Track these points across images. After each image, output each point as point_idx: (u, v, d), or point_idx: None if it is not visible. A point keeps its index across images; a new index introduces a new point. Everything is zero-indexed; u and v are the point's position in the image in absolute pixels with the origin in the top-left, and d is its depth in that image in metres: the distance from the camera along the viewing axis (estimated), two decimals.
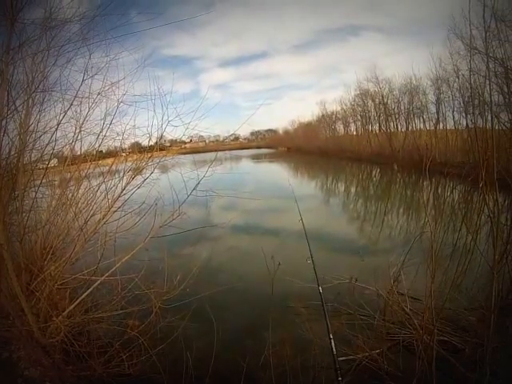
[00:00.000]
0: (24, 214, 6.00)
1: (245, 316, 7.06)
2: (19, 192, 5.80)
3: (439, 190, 19.96)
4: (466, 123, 26.10)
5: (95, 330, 5.75)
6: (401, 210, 18.12)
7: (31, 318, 5.09)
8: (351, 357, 5.01)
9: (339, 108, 54.00)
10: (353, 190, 27.06)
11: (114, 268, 5.73)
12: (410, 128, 36.40)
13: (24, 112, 5.82)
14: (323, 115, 60.10)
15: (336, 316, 5.75)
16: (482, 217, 6.07)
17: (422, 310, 5.50)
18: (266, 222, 15.72)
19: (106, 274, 5.67)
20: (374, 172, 35.81)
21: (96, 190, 6.69)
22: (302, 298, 6.34)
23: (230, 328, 6.33)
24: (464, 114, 26.63)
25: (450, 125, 29.67)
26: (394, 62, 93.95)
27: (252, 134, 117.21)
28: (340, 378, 1.32)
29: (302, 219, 3.02)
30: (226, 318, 6.58)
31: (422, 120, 35.03)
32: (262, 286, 6.17)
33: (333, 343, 1.47)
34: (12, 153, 5.82)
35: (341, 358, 4.93)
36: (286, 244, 11.55)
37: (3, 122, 5.16)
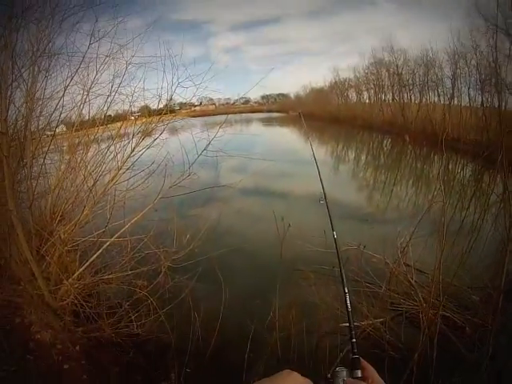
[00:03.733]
0: (33, 181, 6.00)
1: (253, 278, 7.12)
2: (27, 159, 5.77)
3: (450, 166, 19.74)
4: (482, 101, 25.48)
5: (104, 291, 5.87)
6: (410, 182, 17.97)
7: (42, 282, 5.18)
8: (354, 323, 5.06)
9: (352, 75, 53.14)
10: (363, 158, 26.90)
11: (124, 229, 5.77)
12: (423, 100, 35.68)
13: (30, 79, 5.73)
14: (336, 82, 59.23)
15: (338, 280, 5.76)
16: (491, 197, 5.99)
17: (427, 283, 5.54)
18: (275, 185, 15.77)
19: (116, 235, 5.72)
20: (385, 141, 35.38)
21: (105, 152, 6.67)
22: (310, 261, 6.44)
23: (238, 289, 6.39)
24: (480, 92, 26.03)
25: (465, 101, 28.82)
26: (410, 34, 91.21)
27: (263, 97, 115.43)
28: (354, 340, 1.33)
29: (321, 180, 3.03)
30: (234, 279, 6.62)
31: (436, 94, 34.35)
32: (271, 248, 6.23)
33: (348, 297, 1.47)
34: (19, 121, 5.82)
35: (343, 324, 5.03)
36: (295, 207, 11.52)
37: (9, 91, 5.10)
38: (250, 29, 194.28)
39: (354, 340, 1.49)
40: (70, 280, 5.43)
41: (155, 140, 6.34)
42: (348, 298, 1.69)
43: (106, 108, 6.77)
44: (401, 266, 6.17)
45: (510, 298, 4.43)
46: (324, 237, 5.24)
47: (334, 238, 2.21)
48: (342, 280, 1.79)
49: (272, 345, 4.88)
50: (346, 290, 1.74)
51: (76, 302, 5.28)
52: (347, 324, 1.68)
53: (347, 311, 1.66)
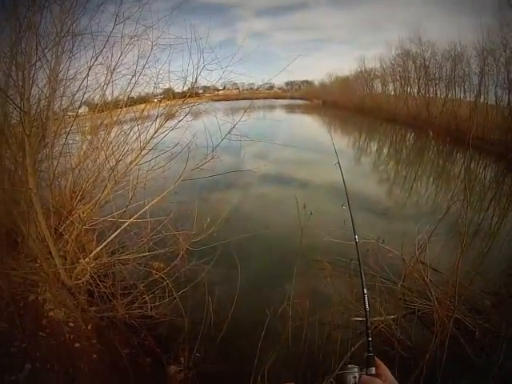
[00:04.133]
0: (54, 160, 6.07)
1: (270, 265, 7.18)
2: (49, 139, 5.84)
3: (472, 166, 19.41)
4: (509, 100, 24.80)
5: (120, 271, 5.93)
6: (431, 179, 17.69)
7: (58, 260, 5.26)
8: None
9: (378, 66, 52.43)
10: (385, 151, 26.57)
11: (143, 210, 5.80)
12: (449, 96, 35.01)
13: (53, 60, 5.74)
14: (361, 71, 58.52)
15: (357, 275, 5.75)
16: None
17: (441, 283, 5.51)
18: (296, 173, 15.71)
19: (135, 216, 5.75)
20: (408, 135, 34.95)
21: (128, 132, 6.70)
22: (328, 252, 6.43)
23: (254, 276, 6.46)
24: (507, 91, 25.42)
25: (492, 100, 28.02)
26: (438, 26, 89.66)
27: (287, 84, 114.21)
28: (370, 339, 1.36)
29: (342, 174, 3.04)
30: (251, 265, 6.68)
31: (462, 90, 33.64)
32: (290, 236, 6.23)
33: (366, 297, 1.50)
34: (42, 100, 5.84)
35: (356, 318, 5.04)
36: (316, 195, 11.55)
37: (32, 71, 5.10)
38: (277, 14, 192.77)
39: (370, 339, 1.51)
40: (86, 259, 5.51)
41: (179, 122, 6.35)
42: (367, 299, 1.71)
43: (129, 89, 6.79)
44: (417, 264, 6.12)
45: None
46: (344, 228, 5.22)
47: (356, 242, 2.23)
48: (362, 282, 1.80)
49: (283, 334, 4.90)
50: (365, 291, 1.76)
51: (91, 281, 5.35)
52: (359, 318, 1.70)
53: (365, 311, 1.68)
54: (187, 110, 6.46)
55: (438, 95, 36.88)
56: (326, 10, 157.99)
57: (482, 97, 29.39)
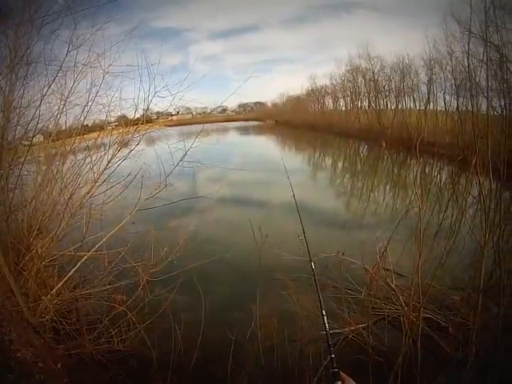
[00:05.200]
0: (9, 193, 5.92)
1: (232, 288, 7.13)
2: (4, 170, 5.69)
3: (426, 170, 20.04)
4: (457, 105, 25.91)
5: (84, 306, 5.73)
6: (387, 187, 18.27)
7: (20, 298, 5.08)
8: (337, 330, 5.13)
9: (329, 83, 53.83)
10: (340, 165, 27.20)
11: (101, 242, 5.69)
12: (399, 106, 36.36)
13: (7, 88, 5.65)
14: (312, 89, 59.88)
15: (322, 289, 5.71)
16: (468, 199, 6.11)
17: (407, 286, 5.60)
18: (252, 195, 15.80)
19: (93, 249, 5.62)
20: (361, 148, 35.92)
21: (81, 163, 6.58)
22: (289, 270, 6.41)
23: (218, 300, 6.38)
24: (455, 96, 26.54)
25: (441, 106, 29.54)
26: (386, 41, 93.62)
27: (240, 106, 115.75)
28: (333, 356, 1.39)
29: (294, 196, 3.06)
30: (214, 290, 6.62)
31: (412, 99, 35.07)
32: (250, 258, 6.21)
33: (326, 320, 1.54)
34: None
35: (324, 332, 5.03)
36: (273, 217, 11.57)
37: None
38: (229, 37, 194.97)
39: (333, 356, 1.54)
40: (48, 296, 5.31)
41: (131, 151, 6.33)
42: (326, 320, 1.76)
43: (82, 118, 6.72)
44: (380, 271, 6.20)
45: (489, 296, 4.51)
46: (301, 245, 5.25)
47: (312, 269, 2.34)
48: (320, 303, 1.85)
49: (255, 355, 4.84)
50: (324, 313, 1.81)
51: (55, 318, 5.17)
52: (329, 331, 1.73)
53: (326, 331, 1.72)
54: (139, 138, 6.41)
55: (389, 107, 38.28)
56: (276, 32, 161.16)
57: (431, 104, 30.77)
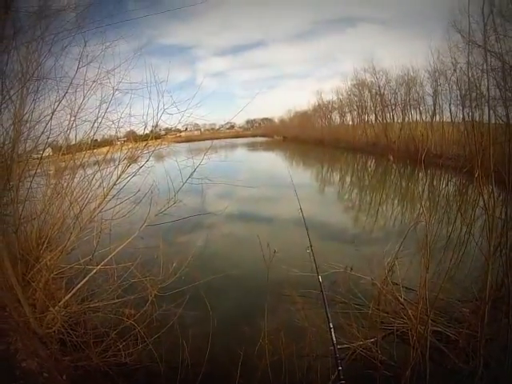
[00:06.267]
0: (19, 205, 5.96)
1: (240, 303, 7.11)
2: (14, 182, 5.77)
3: (434, 182, 19.98)
4: (463, 116, 25.72)
5: (91, 319, 5.76)
6: (395, 201, 18.18)
7: (28, 308, 5.11)
8: (346, 345, 5.03)
9: (335, 98, 53.99)
10: (348, 179, 27.16)
11: (110, 256, 5.73)
12: (406, 119, 36.35)
13: (18, 101, 5.76)
14: (319, 105, 60.02)
15: (331, 305, 5.66)
16: (477, 210, 6.09)
17: (416, 300, 5.56)
18: (260, 210, 15.83)
19: (102, 263, 5.66)
20: (369, 162, 35.82)
21: (91, 178, 6.62)
22: (297, 286, 6.35)
23: (226, 315, 6.38)
24: (461, 107, 26.48)
25: (447, 117, 29.41)
26: (391, 54, 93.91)
27: (248, 122, 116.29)
28: (340, 368, 1.39)
29: (301, 209, 3.09)
30: (222, 305, 6.62)
31: (418, 111, 35.07)
32: (258, 274, 6.19)
33: (333, 333, 1.53)
34: (6, 143, 5.80)
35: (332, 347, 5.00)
36: (281, 232, 11.55)
37: None
38: (235, 53, 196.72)
39: (340, 368, 1.55)
40: (56, 308, 5.35)
41: (141, 167, 6.37)
42: (333, 333, 1.77)
43: (92, 133, 6.81)
44: (388, 285, 6.17)
45: (499, 307, 4.48)
46: (310, 261, 5.24)
47: (320, 283, 2.34)
48: (328, 318, 1.86)
49: (263, 370, 4.79)
50: (331, 326, 1.82)
51: (63, 330, 5.19)
52: (338, 347, 1.74)
53: (333, 344, 1.73)
54: (149, 154, 6.48)
55: (395, 120, 38.25)
56: (281, 47, 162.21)
57: (437, 116, 30.75)
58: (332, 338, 1.72)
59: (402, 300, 5.87)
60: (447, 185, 19.41)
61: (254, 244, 5.83)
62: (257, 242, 5.43)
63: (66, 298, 5.55)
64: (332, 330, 1.73)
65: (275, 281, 5.86)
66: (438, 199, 14.44)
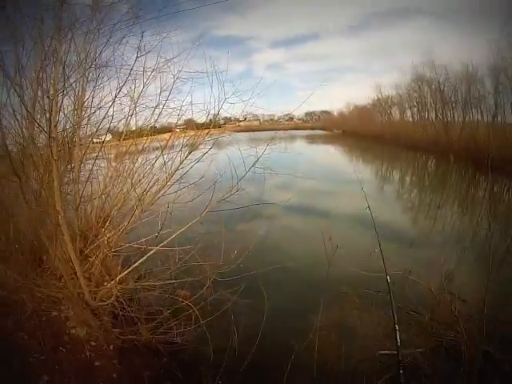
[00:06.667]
0: (80, 185, 6.25)
1: (295, 297, 7.14)
2: (75, 164, 6.08)
3: (495, 188, 19.12)
4: None
5: (146, 297, 5.99)
6: (455, 205, 17.47)
7: (83, 281, 5.33)
8: (394, 352, 4.96)
9: (394, 93, 52.58)
10: (407, 179, 26.54)
11: (170, 238, 5.84)
12: (466, 118, 34.82)
13: (79, 88, 6.04)
14: (378, 99, 58.84)
15: (384, 307, 5.55)
16: None
17: (470, 313, 5.38)
18: (319, 204, 15.78)
19: (161, 244, 5.78)
20: (429, 162, 34.70)
21: (153, 163, 6.82)
22: (354, 284, 6.33)
23: (280, 307, 6.41)
24: None
25: (509, 119, 28.01)
26: (449, 49, 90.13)
27: (307, 114, 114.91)
28: (401, 371, 1.37)
29: (369, 207, 3.03)
30: (277, 297, 6.59)
31: (479, 111, 33.40)
32: (316, 267, 6.17)
33: (398, 334, 1.50)
34: (68, 127, 6.06)
35: (382, 352, 4.94)
36: (339, 227, 11.38)
37: (59, 98, 5.28)
38: (290, 45, 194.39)
39: (402, 371, 1.54)
40: (112, 282, 5.59)
41: (204, 154, 6.43)
42: (398, 335, 1.75)
43: (152, 120, 7.03)
44: (445, 295, 6.00)
45: None
46: (368, 259, 5.16)
47: (388, 284, 2.30)
48: (394, 317, 1.84)
49: (309, 367, 4.83)
50: (397, 327, 1.80)
51: (116, 304, 5.40)
52: (386, 352, 1.73)
53: (396, 345, 1.71)
54: (210, 141, 6.59)
55: (456, 119, 36.60)
56: (337, 40, 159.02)
57: (499, 116, 29.07)
58: (396, 340, 1.70)
59: (456, 312, 5.69)
60: (508, 192, 18.63)
61: (313, 237, 5.79)
62: (314, 235, 5.40)
63: (123, 273, 5.76)
64: (397, 331, 1.70)
65: (332, 276, 5.83)
66: (498, 207, 13.85)
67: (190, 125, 7.32)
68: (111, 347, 5.25)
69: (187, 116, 6.88)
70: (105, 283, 5.89)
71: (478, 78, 32.21)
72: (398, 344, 1.54)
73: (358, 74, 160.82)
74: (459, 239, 9.46)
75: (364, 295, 6.04)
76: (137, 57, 6.28)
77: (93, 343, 5.23)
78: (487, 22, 66.41)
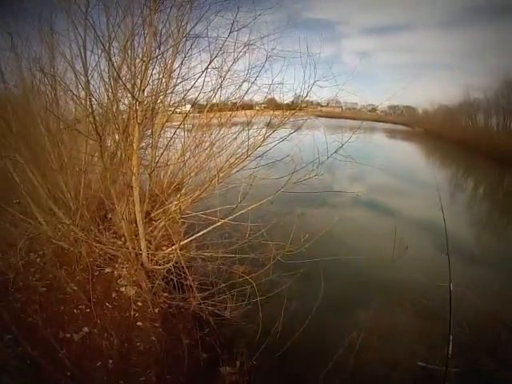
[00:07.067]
0: (157, 150, 6.49)
1: (350, 291, 7.10)
2: (156, 129, 6.28)
3: None
4: None
5: (203, 267, 6.24)
6: None
7: (144, 243, 5.65)
8: (437, 367, 4.84)
9: (482, 96, 49.77)
10: (481, 190, 25.31)
11: (239, 213, 5.88)
12: None
13: (169, 58, 6.18)
14: (465, 101, 55.94)
15: (434, 319, 5.51)
16: None
17: None
18: (389, 201, 15.44)
19: (229, 218, 5.80)
20: (506, 176, 32.87)
21: (235, 136, 6.98)
22: (410, 289, 6.27)
23: (332, 299, 6.37)
24: None
25: None
26: None
27: (390, 107, 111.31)
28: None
29: (443, 211, 3.01)
30: (332, 288, 6.48)
31: None
32: (377, 266, 6.11)
33: (450, 346, 1.55)
34: (155, 94, 6.22)
35: (421, 364, 4.90)
36: (404, 229, 11.09)
37: (150, 65, 5.48)
38: (380, 34, 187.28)
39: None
40: (173, 247, 5.80)
41: (290, 134, 6.52)
42: (450, 346, 1.81)
43: (238, 96, 7.12)
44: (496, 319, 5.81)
45: None
46: (431, 265, 5.06)
47: (450, 292, 2.33)
48: (450, 329, 1.90)
49: (342, 365, 4.82)
50: (451, 338, 1.86)
51: (172, 269, 5.65)
52: (424, 364, 1.80)
53: (447, 357, 1.78)
54: (294, 122, 6.69)
55: None
56: (430, 33, 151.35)
57: None
58: (448, 351, 1.77)
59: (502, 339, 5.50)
60: None
61: (380, 234, 5.71)
62: (381, 232, 5.34)
63: (186, 240, 6.02)
64: (451, 343, 1.77)
65: (391, 278, 5.77)
66: None
67: (271, 104, 7.41)
68: (156, 310, 5.54)
69: (274, 95, 6.88)
70: (163, 248, 6.16)
71: None
72: (449, 355, 1.58)
73: (448, 72, 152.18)
74: None
75: (417, 303, 5.94)
76: (230, 31, 6.15)
77: (139, 304, 5.55)
78: None
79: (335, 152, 5.97)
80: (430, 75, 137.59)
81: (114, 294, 5.60)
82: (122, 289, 5.74)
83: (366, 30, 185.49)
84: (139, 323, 5.24)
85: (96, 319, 5.02)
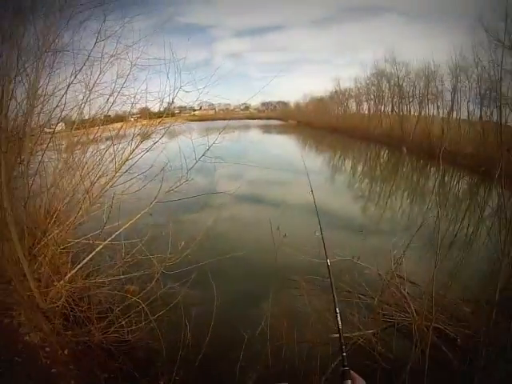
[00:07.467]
0: (29, 178, 5.99)
1: (245, 286, 7.12)
2: (25, 156, 5.76)
3: (446, 179, 19.84)
4: (480, 115, 25.85)
5: (96, 295, 5.77)
6: (405, 194, 18.05)
7: (33, 283, 5.15)
8: (346, 334, 4.99)
9: (353, 86, 53.71)
10: (359, 168, 27.09)
11: (118, 232, 5.71)
12: (422, 113, 36.05)
13: (33, 75, 5.70)
14: (336, 91, 59.74)
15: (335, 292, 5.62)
16: (486, 210, 6.05)
17: (419, 295, 5.55)
18: (270, 193, 15.76)
19: (109, 239, 5.64)
20: (382, 153, 35.60)
21: (103, 153, 6.59)
22: (302, 271, 6.32)
23: (230, 297, 6.36)
24: (479, 106, 26.28)
25: (464, 115, 29.16)
26: (413, 47, 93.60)
27: (263, 104, 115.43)
28: (344, 354, 1.39)
29: (312, 193, 3.07)
30: (227, 286, 6.55)
31: (435, 106, 34.72)
32: (265, 257, 6.17)
33: (339, 317, 1.53)
34: (19, 116, 5.79)
35: (334, 335, 5.00)
36: (289, 216, 11.58)
37: (12, 85, 5.11)
38: (254, 35, 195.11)
39: (345, 354, 1.54)
40: (61, 282, 5.38)
41: (154, 144, 6.36)
42: (339, 318, 1.77)
43: (106, 108, 6.76)
44: (394, 278, 6.14)
45: (501, 311, 4.45)
46: (318, 247, 5.16)
47: (328, 267, 2.33)
48: (334, 302, 1.86)
49: (263, 353, 4.85)
50: (338, 310, 1.82)
51: (66, 305, 5.23)
52: (338, 335, 1.74)
53: (338, 328, 1.73)
54: (162, 130, 6.49)
55: (412, 113, 37.83)
56: (301, 32, 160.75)
57: (454, 112, 30.35)
58: (338, 324, 1.72)
59: (405, 294, 5.85)
60: (458, 182, 19.32)
61: (261, 226, 5.80)
62: (264, 225, 5.41)
63: (72, 272, 5.57)
64: (338, 314, 1.73)
65: (281, 264, 5.84)
66: (447, 196, 14.35)
67: (144, 114, 7.20)
68: (66, 352, 5.02)
69: (142, 104, 6.73)
70: (54, 283, 5.71)
71: (438, 76, 33.35)
72: (340, 327, 1.57)
73: (318, 67, 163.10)
74: (408, 226, 9.71)
75: (312, 281, 6.05)
76: (96, 42, 6.05)
77: (47, 349, 4.97)
78: (453, 25, 68.50)
79: (203, 155, 6.00)
80: (299, 70, 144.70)
81: (20, 346, 5.03)
82: (26, 337, 5.14)
83: (238, 32, 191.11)
84: (54, 370, 4.68)
85: (9, 378, 4.40)
